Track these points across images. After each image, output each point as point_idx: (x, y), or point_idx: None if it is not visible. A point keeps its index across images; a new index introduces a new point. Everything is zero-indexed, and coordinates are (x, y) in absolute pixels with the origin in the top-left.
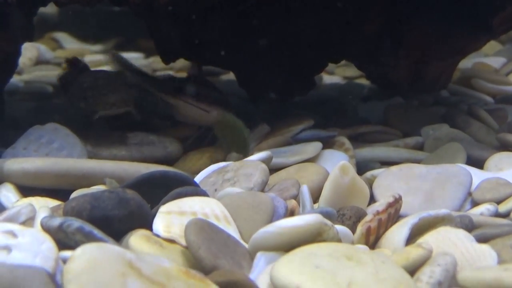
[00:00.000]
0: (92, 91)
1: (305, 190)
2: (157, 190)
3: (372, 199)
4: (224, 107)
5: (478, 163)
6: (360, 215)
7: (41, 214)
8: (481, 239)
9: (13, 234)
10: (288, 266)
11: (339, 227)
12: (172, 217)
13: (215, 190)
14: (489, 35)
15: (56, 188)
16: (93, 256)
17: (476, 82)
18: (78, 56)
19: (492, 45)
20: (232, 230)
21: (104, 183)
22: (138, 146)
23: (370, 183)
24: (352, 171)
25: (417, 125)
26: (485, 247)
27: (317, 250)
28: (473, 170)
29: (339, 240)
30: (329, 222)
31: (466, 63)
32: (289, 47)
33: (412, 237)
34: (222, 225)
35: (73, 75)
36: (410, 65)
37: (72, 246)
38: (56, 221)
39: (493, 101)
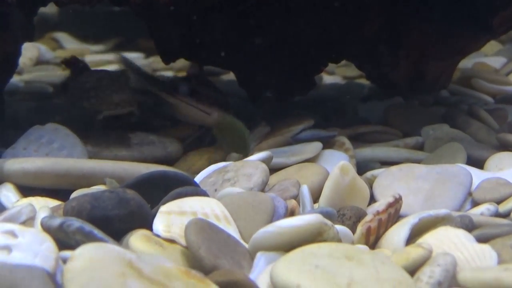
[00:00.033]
0: (96, 91)
1: (305, 190)
2: (157, 190)
3: (372, 199)
4: (224, 108)
5: (478, 163)
6: (360, 215)
7: (41, 214)
8: (481, 239)
9: (13, 234)
10: (288, 266)
11: (339, 227)
12: (172, 217)
13: (215, 190)
14: (489, 35)
15: (56, 188)
16: (93, 256)
17: (476, 82)
18: (78, 56)
19: (492, 45)
20: (232, 230)
21: (104, 183)
22: (138, 146)
23: (370, 183)
24: (352, 171)
25: (417, 125)
26: (485, 247)
27: (317, 250)
28: (473, 170)
29: (339, 240)
30: (329, 222)
31: (466, 63)
32: (289, 47)
33: (412, 237)
34: (222, 225)
35: (73, 74)
36: (410, 65)
37: (72, 246)
38: (56, 221)
39: (493, 101)
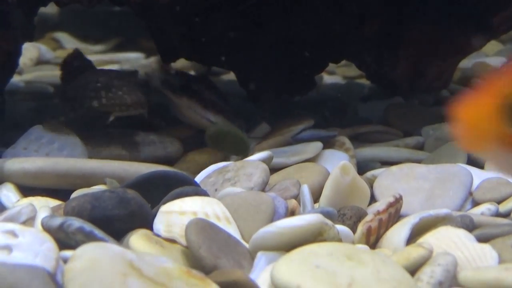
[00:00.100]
0: (106, 91)
1: (305, 190)
2: (157, 190)
3: (372, 199)
4: (223, 110)
5: (479, 163)
6: (360, 215)
7: (42, 214)
8: (482, 239)
9: (13, 234)
10: (288, 266)
11: (339, 227)
12: (172, 217)
13: (216, 190)
14: (489, 35)
15: (57, 188)
16: (93, 256)
17: (476, 82)
18: None
19: (492, 45)
20: (232, 230)
21: (104, 183)
22: (138, 146)
23: (370, 183)
24: (353, 171)
25: (418, 125)
26: (485, 247)
27: (318, 250)
28: (473, 170)
29: (339, 240)
30: (329, 222)
31: (466, 63)
32: (289, 47)
33: (412, 237)
34: (222, 225)
35: (64, 75)
36: (410, 65)
37: (72, 246)
38: (57, 221)
39: None
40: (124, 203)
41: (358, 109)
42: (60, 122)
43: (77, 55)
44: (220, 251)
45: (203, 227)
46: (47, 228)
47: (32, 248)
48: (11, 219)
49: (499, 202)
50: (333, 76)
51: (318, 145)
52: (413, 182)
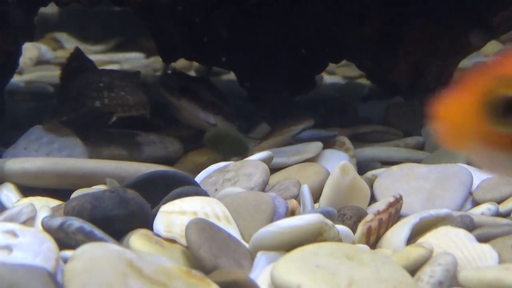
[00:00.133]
0: (109, 91)
1: (305, 190)
2: (157, 190)
3: (372, 199)
4: (221, 112)
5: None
6: (360, 215)
7: (42, 214)
8: (482, 239)
9: (13, 233)
10: (288, 265)
11: (339, 227)
12: (172, 217)
13: (216, 190)
14: (489, 34)
15: (57, 188)
16: (93, 255)
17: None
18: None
19: (492, 45)
20: (232, 230)
21: (104, 183)
22: (138, 146)
23: (370, 183)
24: (353, 171)
25: (418, 125)
26: (485, 246)
27: (318, 249)
28: (473, 170)
29: (339, 240)
30: (329, 222)
31: (466, 63)
32: (289, 46)
33: (412, 237)
34: (222, 225)
35: (64, 75)
36: (410, 65)
37: (72, 246)
38: (57, 221)
39: None
40: (124, 203)
41: (358, 109)
42: (61, 122)
43: (77, 54)
44: (220, 251)
45: (203, 227)
46: (47, 228)
47: (32, 248)
48: (11, 219)
49: (499, 202)
50: (333, 76)
51: (318, 145)
52: (413, 182)
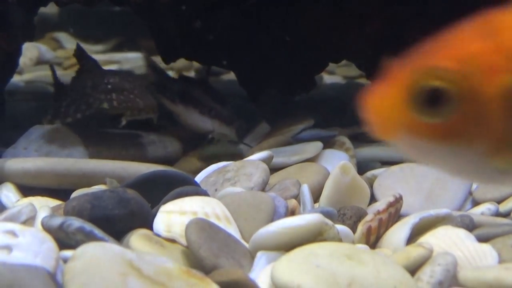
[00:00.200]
0: (117, 93)
1: (305, 190)
2: (157, 190)
3: (372, 199)
4: (220, 117)
5: None
6: (360, 215)
7: (42, 213)
8: (482, 239)
9: (13, 233)
10: (288, 265)
11: (339, 227)
12: (172, 217)
13: (216, 189)
14: None
15: (57, 188)
16: (93, 255)
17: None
18: (78, 55)
19: None
20: (232, 230)
21: (104, 183)
22: (138, 146)
23: (370, 182)
24: (353, 170)
25: None
26: (485, 246)
27: (318, 249)
28: None
29: (339, 239)
30: (329, 222)
31: None
32: (289, 46)
33: (412, 237)
34: (222, 224)
35: (80, 69)
36: None
37: (72, 246)
38: (57, 221)
39: None
40: (124, 202)
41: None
42: (65, 123)
43: (79, 52)
44: (220, 251)
45: (203, 227)
46: (47, 228)
47: (32, 248)
48: (11, 219)
49: (499, 201)
50: (333, 76)
51: (318, 145)
52: (413, 182)
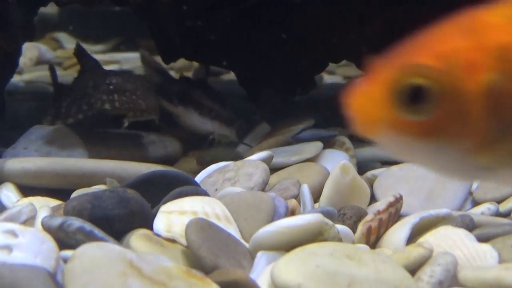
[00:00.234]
0: (119, 94)
1: (305, 190)
2: (157, 190)
3: (372, 199)
4: (219, 119)
5: None
6: (360, 215)
7: (42, 213)
8: (482, 239)
9: (13, 233)
10: (288, 265)
11: (339, 227)
12: (172, 217)
13: (216, 189)
14: None
15: (57, 188)
16: (94, 255)
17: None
18: (77, 55)
19: None
20: (232, 230)
21: (104, 183)
22: (138, 145)
23: (370, 182)
24: (353, 170)
25: None
26: (486, 246)
27: (318, 249)
28: None
29: (339, 239)
30: (329, 222)
31: None
32: (289, 46)
33: (412, 237)
34: (222, 224)
35: (85, 68)
36: None
37: (73, 246)
38: (57, 221)
39: None
40: (124, 202)
41: None
42: (67, 124)
43: (78, 51)
44: (220, 250)
45: (203, 227)
46: (47, 228)
47: (32, 248)
48: (11, 219)
49: (499, 201)
50: (333, 76)
51: (318, 144)
52: (413, 182)
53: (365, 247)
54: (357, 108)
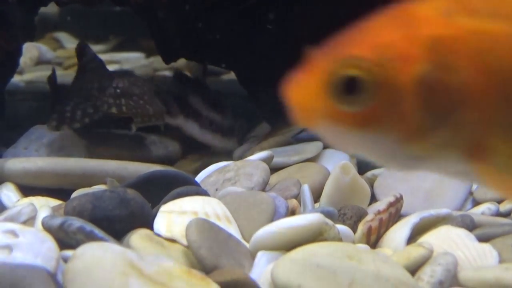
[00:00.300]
0: (127, 98)
1: (306, 190)
2: (158, 190)
3: (373, 199)
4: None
5: None
6: (361, 215)
7: (42, 213)
8: (482, 239)
9: (14, 233)
10: (289, 265)
11: (340, 227)
12: (173, 217)
13: (216, 189)
14: None
15: (57, 188)
16: (94, 255)
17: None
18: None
19: None
20: (233, 230)
21: (105, 183)
22: (139, 146)
23: (371, 182)
24: (353, 170)
25: None
26: (486, 246)
27: (318, 249)
28: None
29: (340, 239)
30: (330, 222)
31: None
32: (289, 46)
33: (413, 237)
34: (223, 224)
35: (83, 68)
36: None
37: (73, 246)
38: (57, 221)
39: None
40: (125, 203)
41: None
42: (73, 128)
43: (81, 50)
44: (221, 251)
45: (203, 227)
46: (47, 228)
47: (33, 248)
48: (11, 219)
49: (499, 201)
50: None
51: (319, 144)
52: (413, 182)
53: (365, 247)
54: (295, 99)
